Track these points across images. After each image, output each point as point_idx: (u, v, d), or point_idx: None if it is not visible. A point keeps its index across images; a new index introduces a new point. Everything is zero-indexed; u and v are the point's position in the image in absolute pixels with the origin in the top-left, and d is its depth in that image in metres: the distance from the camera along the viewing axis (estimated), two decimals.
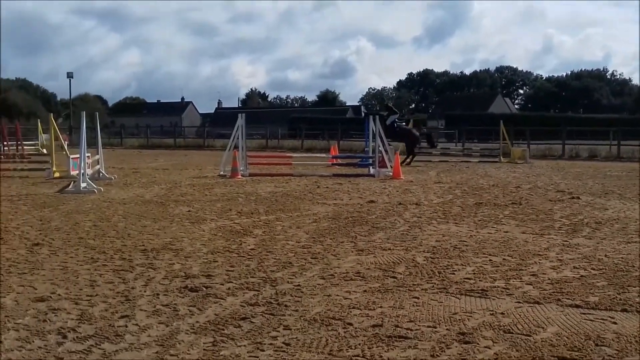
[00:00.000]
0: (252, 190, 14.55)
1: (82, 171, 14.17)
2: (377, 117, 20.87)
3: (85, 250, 7.36)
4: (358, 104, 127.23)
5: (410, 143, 26.01)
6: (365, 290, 5.56)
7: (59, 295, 5.34)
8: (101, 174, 17.17)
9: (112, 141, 52.52)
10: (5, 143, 29.19)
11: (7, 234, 8.37)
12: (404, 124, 28.56)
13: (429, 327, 4.53)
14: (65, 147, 20.14)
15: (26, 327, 4.46)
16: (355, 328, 4.50)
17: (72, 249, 7.39)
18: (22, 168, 19.55)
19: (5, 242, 7.83)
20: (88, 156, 15.71)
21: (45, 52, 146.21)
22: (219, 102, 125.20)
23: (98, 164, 17.63)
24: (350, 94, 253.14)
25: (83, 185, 13.84)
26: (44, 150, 29.82)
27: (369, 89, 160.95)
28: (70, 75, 62.41)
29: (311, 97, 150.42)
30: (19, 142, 28.59)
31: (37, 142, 35.34)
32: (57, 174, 17.72)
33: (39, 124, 36.02)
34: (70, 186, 14.17)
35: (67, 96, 69.86)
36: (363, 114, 33.64)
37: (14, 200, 12.08)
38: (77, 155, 16.07)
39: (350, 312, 4.90)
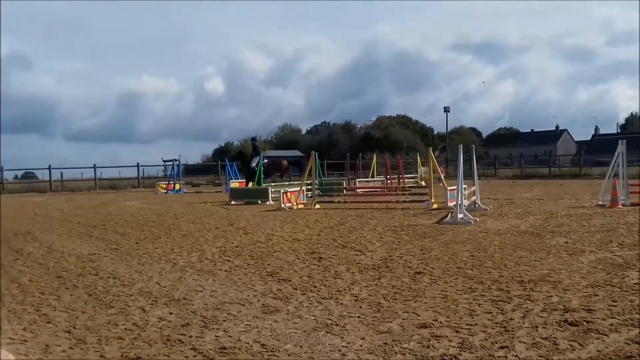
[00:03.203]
0: (634, 220, 13.54)
1: (459, 202, 14.60)
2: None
3: (463, 279, 7.56)
4: None
5: (283, 172, 27.43)
6: None
7: (441, 322, 5.56)
8: (477, 205, 17.47)
9: (486, 172, 53.17)
10: (388, 176, 31.44)
11: (392, 263, 8.98)
12: (265, 160, 28.06)
13: None
14: (443, 179, 20.99)
15: (411, 352, 4.74)
16: None
17: (451, 278, 7.65)
18: (403, 200, 20.79)
19: (390, 270, 8.41)
20: (464, 187, 16.12)
21: (425, 88, 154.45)
22: (596, 129, 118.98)
23: (474, 195, 17.98)
24: None
25: (460, 216, 14.23)
26: (423, 183, 31.40)
27: None
28: (447, 110, 64.94)
29: None
30: (400, 175, 30.54)
31: (416, 174, 37.36)
32: (435, 205, 18.51)
33: (418, 157, 37.99)
34: (447, 217, 14.67)
35: (444, 129, 72.77)
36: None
37: (397, 231, 12.92)
38: (454, 187, 16.62)
39: None
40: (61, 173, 44.82)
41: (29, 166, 68.12)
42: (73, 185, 43.30)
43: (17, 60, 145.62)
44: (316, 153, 22.20)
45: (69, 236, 13.68)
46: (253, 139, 27.02)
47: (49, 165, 43.07)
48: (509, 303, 6.23)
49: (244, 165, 26.94)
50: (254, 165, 26.28)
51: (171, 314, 6.31)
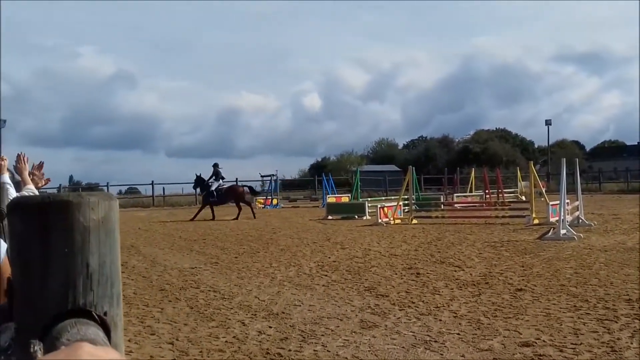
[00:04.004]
0: None
1: (561, 218, 14.18)
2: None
3: (567, 297, 7.34)
4: None
5: (239, 198, 26.47)
6: None
7: (544, 341, 5.42)
8: (580, 221, 16.91)
9: (590, 186, 51.34)
10: (487, 191, 30.90)
11: (492, 279, 8.81)
12: (224, 186, 27.72)
13: None
14: (544, 193, 20.45)
15: None
16: None
17: (554, 296, 7.44)
18: (503, 215, 20.35)
19: (490, 286, 8.26)
20: (567, 202, 15.66)
21: (526, 101, 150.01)
22: None
23: (577, 210, 17.43)
24: None
25: (563, 232, 13.82)
26: (523, 197, 30.64)
27: None
28: (548, 123, 63.26)
29: None
30: (499, 190, 29.95)
31: (516, 189, 36.55)
32: (536, 221, 18.04)
33: (518, 171, 37.18)
34: (549, 233, 14.26)
35: (545, 143, 70.76)
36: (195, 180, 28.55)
37: (496, 247, 12.66)
38: (556, 202, 16.16)
39: None
40: (163, 188, 46.17)
41: (132, 182, 70.83)
42: (174, 200, 44.62)
43: (123, 79, 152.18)
44: (413, 168, 22.07)
45: (171, 250, 14.12)
46: (215, 165, 27.67)
47: (152, 181, 44.57)
48: (616, 322, 6.00)
49: (202, 188, 27.35)
50: (212, 189, 26.66)
51: (270, 327, 6.41)
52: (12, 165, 4.91)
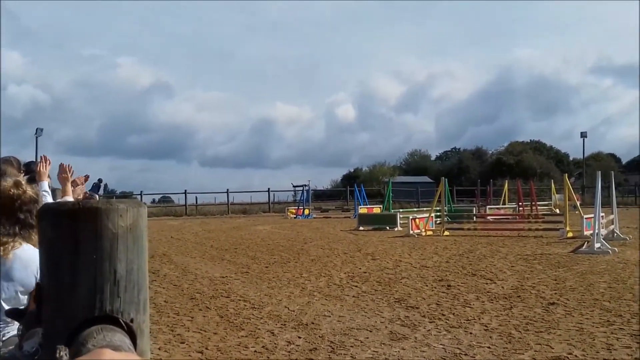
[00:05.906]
0: None
1: (596, 231, 14.00)
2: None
3: (600, 312, 7.23)
4: None
5: None
6: None
7: (575, 356, 5.34)
8: (615, 234, 16.66)
9: (626, 200, 50.55)
10: (520, 203, 30.58)
11: (524, 292, 8.72)
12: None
13: None
14: (579, 206, 20.19)
15: None
16: None
17: (587, 310, 7.34)
18: (536, 228, 20.14)
19: (522, 300, 8.17)
20: (602, 216, 15.44)
21: (562, 113, 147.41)
22: None
23: (612, 223, 17.18)
24: None
25: (597, 245, 13.64)
26: (557, 210, 30.28)
27: None
28: (584, 135, 62.59)
29: None
30: (533, 202, 29.63)
31: (549, 201, 36.10)
32: (570, 234, 17.82)
33: (552, 184, 36.78)
34: (583, 246, 14.09)
35: (580, 155, 69.93)
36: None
37: (529, 259, 12.52)
38: (591, 215, 15.95)
39: None
40: (196, 197, 46.36)
41: (166, 191, 71.14)
42: (206, 209, 44.85)
43: (161, 89, 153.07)
44: (446, 179, 21.94)
45: (202, 259, 14.20)
46: (99, 180, 27.61)
47: (185, 190, 44.90)
48: None
49: None
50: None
51: (299, 338, 6.41)
52: (56, 175, 4.93)
